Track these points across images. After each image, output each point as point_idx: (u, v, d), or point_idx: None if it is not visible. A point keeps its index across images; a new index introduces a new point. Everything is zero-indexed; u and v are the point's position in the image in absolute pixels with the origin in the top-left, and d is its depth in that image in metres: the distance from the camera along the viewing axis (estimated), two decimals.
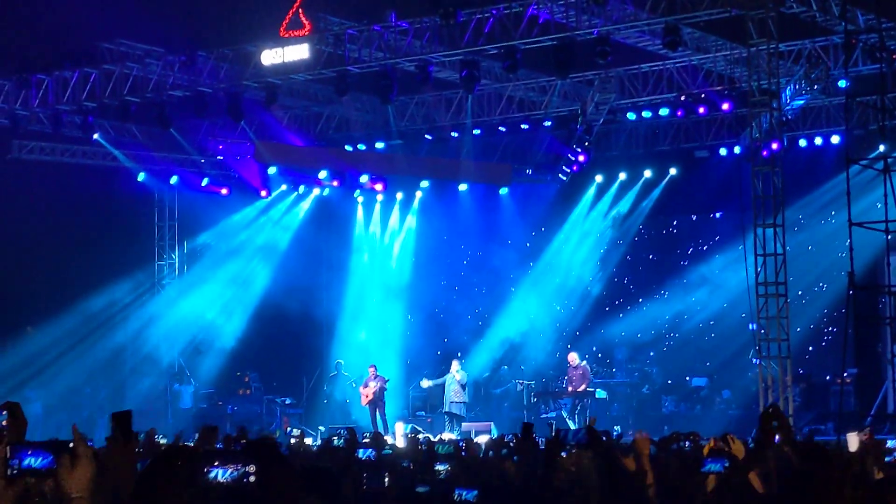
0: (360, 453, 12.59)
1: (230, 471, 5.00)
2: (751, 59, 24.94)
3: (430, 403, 32.65)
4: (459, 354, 32.40)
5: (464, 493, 7.81)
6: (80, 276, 33.31)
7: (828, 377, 29.83)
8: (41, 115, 30.52)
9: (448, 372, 30.51)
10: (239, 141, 33.62)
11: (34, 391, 32.26)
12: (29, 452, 5.03)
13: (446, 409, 30.26)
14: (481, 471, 11.62)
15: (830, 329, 31.45)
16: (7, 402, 6.48)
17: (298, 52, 27.17)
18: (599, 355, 34.10)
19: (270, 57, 27.45)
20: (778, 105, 25.45)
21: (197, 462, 5.01)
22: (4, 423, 6.35)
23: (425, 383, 31.72)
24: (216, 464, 5.00)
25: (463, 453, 14.07)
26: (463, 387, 30.13)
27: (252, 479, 5.03)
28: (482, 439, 25.67)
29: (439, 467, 11.15)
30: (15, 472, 5.01)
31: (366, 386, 31.00)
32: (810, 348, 31.87)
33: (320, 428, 31.47)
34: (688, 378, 33.18)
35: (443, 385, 30.64)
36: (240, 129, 32.24)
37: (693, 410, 32.32)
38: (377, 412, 30.77)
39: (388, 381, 31.50)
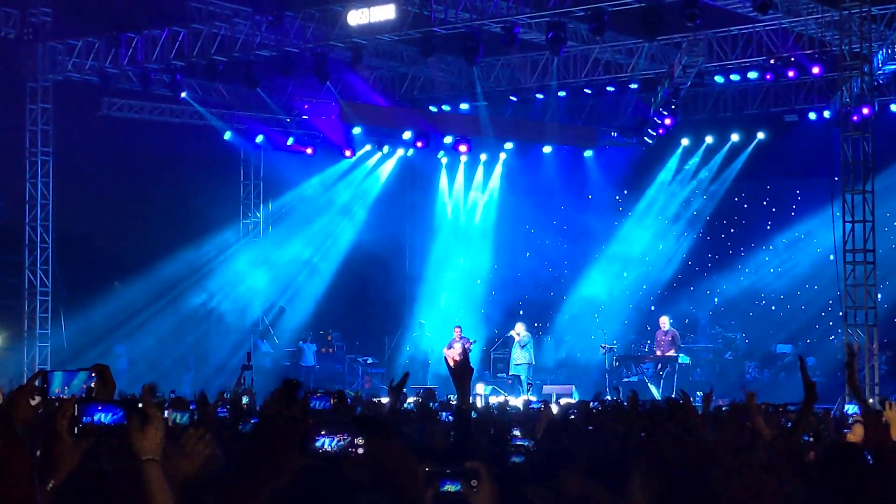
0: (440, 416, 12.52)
1: (337, 440, 4.99)
2: (842, 23, 24.58)
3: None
4: (522, 313, 32.43)
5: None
6: (166, 233, 33.70)
7: None
8: (130, 73, 30.78)
9: (511, 333, 30.64)
10: (324, 101, 33.67)
11: (121, 346, 32.73)
12: (99, 408, 5.00)
13: (512, 372, 30.39)
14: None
15: None
16: (97, 364, 6.49)
17: (384, 13, 27.15)
18: (685, 321, 33.81)
19: (357, 17, 27.44)
20: (869, 69, 25.07)
21: (304, 430, 5.00)
22: (93, 385, 6.36)
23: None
24: (323, 433, 4.99)
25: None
26: (523, 347, 30.19)
27: (360, 450, 5.02)
28: (563, 402, 25.67)
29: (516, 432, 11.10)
30: (82, 426, 4.98)
31: (450, 347, 31.06)
32: None
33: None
34: (772, 345, 32.93)
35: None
36: (325, 89, 32.23)
37: (777, 377, 32.05)
38: None
39: (474, 342, 31.51)
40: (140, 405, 4.93)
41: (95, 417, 4.96)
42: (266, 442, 5.03)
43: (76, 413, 4.97)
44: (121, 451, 5.14)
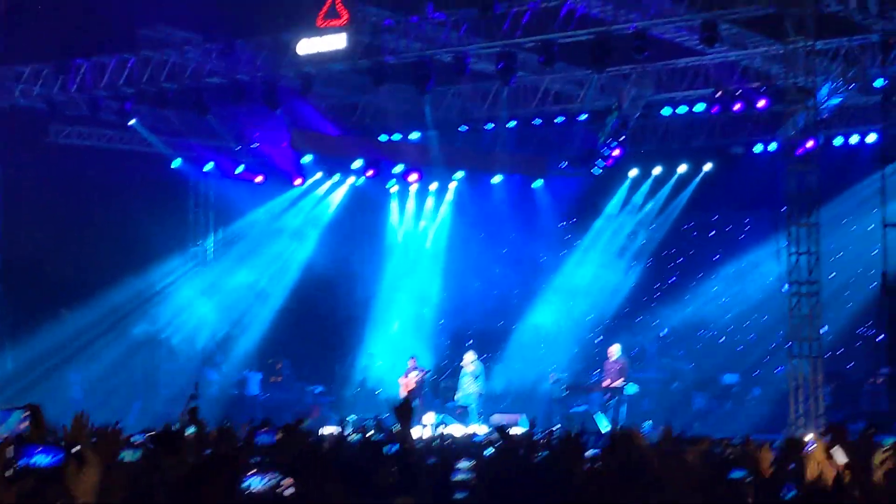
0: (385, 449, 12.42)
1: (266, 479, 4.94)
2: (788, 57, 24.83)
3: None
4: (471, 342, 32.56)
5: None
6: (115, 260, 33.44)
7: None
8: (79, 99, 30.67)
9: (461, 363, 30.65)
10: (274, 129, 33.64)
11: (76, 374, 32.54)
12: (38, 449, 4.89)
13: (459, 402, 30.36)
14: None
15: (863, 329, 31.24)
16: (29, 404, 6.39)
17: (335, 42, 27.20)
18: (633, 351, 33.89)
19: (307, 46, 27.48)
20: (814, 103, 25.32)
21: (239, 470, 4.94)
22: (24, 425, 6.27)
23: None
24: (254, 471, 4.94)
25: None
26: (475, 378, 30.20)
27: (287, 491, 4.97)
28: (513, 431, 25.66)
29: (463, 465, 11.06)
30: (18, 468, 4.87)
31: (405, 377, 31.11)
32: (842, 349, 31.73)
33: (351, 417, 31.57)
34: (719, 373, 33.11)
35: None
36: (276, 117, 32.17)
37: (724, 407, 32.23)
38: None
39: (428, 372, 31.60)
40: (75, 450, 4.85)
41: (33, 459, 4.85)
42: (196, 486, 4.97)
43: (13, 455, 4.86)
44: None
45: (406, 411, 8.52)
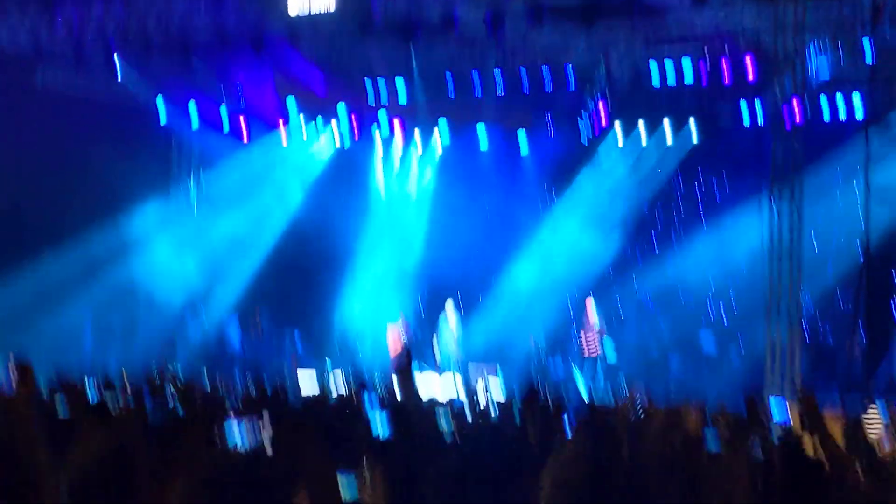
0: (369, 409, 12.18)
1: (247, 434, 4.91)
2: (777, 21, 24.72)
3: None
4: (453, 298, 32.43)
5: None
6: (97, 206, 33.28)
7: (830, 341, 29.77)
8: (64, 46, 30.43)
9: (444, 314, 30.48)
10: (260, 76, 33.50)
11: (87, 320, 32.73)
12: None
13: (442, 359, 30.22)
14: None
15: (843, 297, 31.28)
16: (20, 364, 6.34)
17: (325, 4, 27.20)
18: (614, 316, 33.88)
19: (297, 7, 27.43)
20: (802, 69, 25.26)
21: (215, 423, 4.92)
22: (14, 382, 6.19)
23: None
24: (230, 415, 4.92)
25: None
26: (455, 336, 30.12)
27: (268, 444, 4.95)
28: (491, 381, 25.45)
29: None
30: None
31: (395, 328, 31.18)
32: (820, 318, 31.82)
33: (328, 364, 31.56)
34: (698, 338, 33.16)
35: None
36: (262, 65, 32.02)
37: (701, 371, 32.31)
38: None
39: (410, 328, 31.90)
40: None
41: None
42: (175, 434, 4.97)
43: None
44: None
45: (407, 374, 8.54)
